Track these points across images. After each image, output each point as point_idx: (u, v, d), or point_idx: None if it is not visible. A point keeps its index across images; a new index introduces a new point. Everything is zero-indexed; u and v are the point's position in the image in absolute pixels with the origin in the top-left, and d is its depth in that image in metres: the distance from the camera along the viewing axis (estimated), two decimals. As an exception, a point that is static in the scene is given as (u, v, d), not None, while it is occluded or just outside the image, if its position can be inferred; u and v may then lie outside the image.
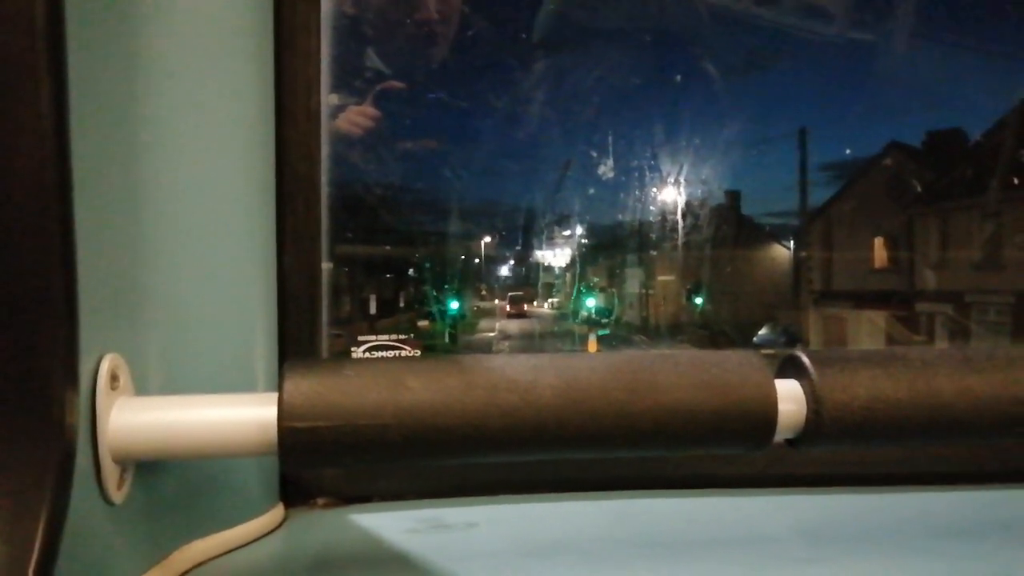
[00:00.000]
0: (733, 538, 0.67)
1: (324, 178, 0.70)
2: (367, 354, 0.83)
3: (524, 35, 1.48)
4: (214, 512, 0.63)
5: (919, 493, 0.76)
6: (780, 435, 0.54)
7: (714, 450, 0.54)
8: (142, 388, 0.53)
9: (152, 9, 0.55)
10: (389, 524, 0.70)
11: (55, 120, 0.40)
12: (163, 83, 0.56)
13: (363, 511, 0.73)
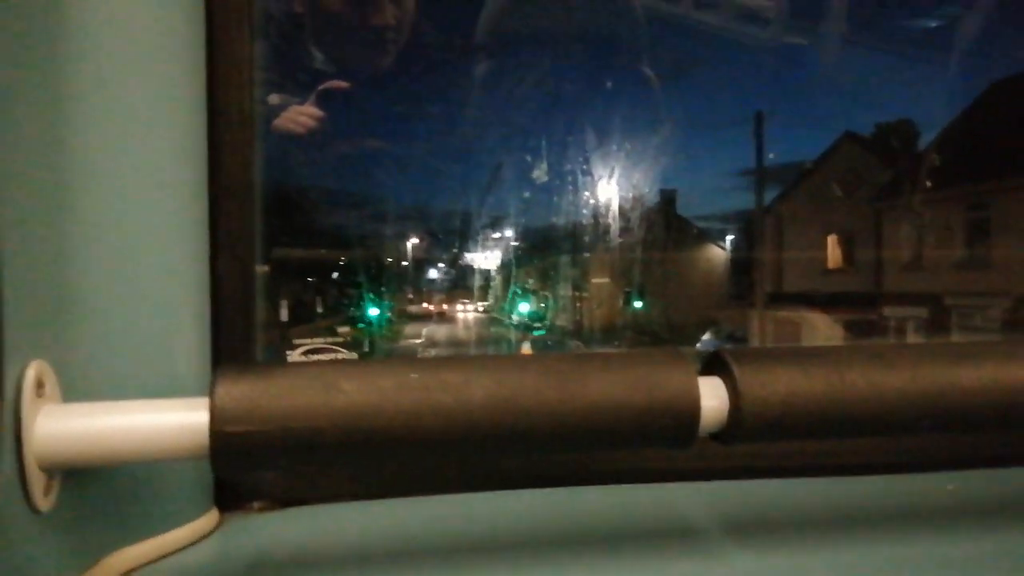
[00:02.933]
0: (662, 528, 0.69)
1: (259, 184, 0.69)
2: (303, 357, 0.83)
3: (463, 38, 1.49)
4: (146, 518, 0.62)
5: (839, 480, 0.79)
6: (704, 431, 0.56)
7: (641, 447, 0.56)
8: (70, 395, 0.52)
9: (78, 11, 0.54)
10: (325, 526, 0.70)
11: None
12: (89, 85, 0.55)
13: (299, 514, 0.73)
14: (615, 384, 0.53)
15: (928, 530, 0.70)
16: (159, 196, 0.60)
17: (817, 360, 0.57)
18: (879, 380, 0.56)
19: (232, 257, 0.68)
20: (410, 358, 0.53)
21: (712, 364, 0.58)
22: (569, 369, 0.54)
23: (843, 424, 0.56)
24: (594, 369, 0.54)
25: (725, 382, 0.56)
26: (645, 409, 0.53)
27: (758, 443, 0.57)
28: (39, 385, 0.49)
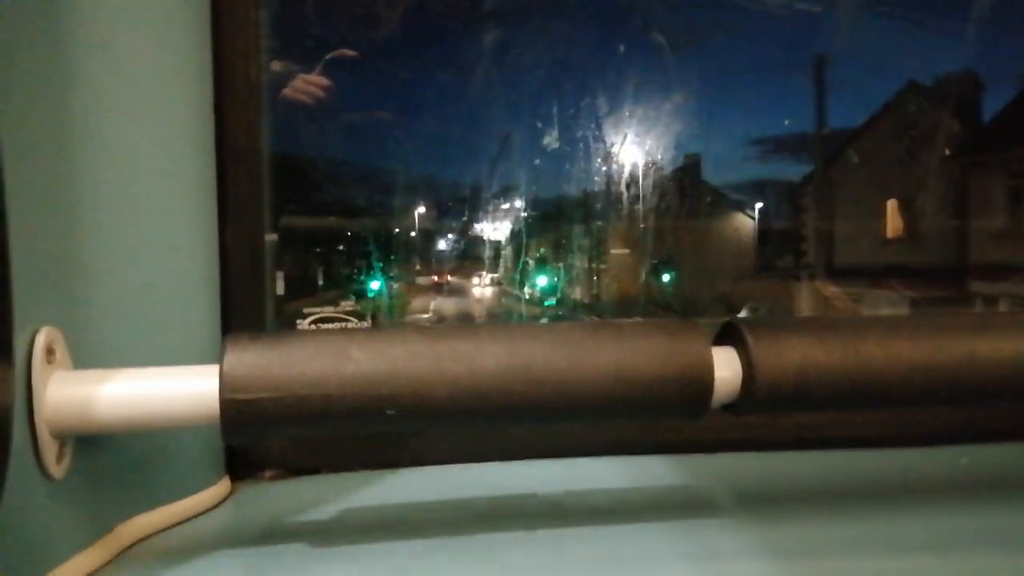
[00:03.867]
0: (674, 500, 0.69)
1: (267, 154, 0.69)
2: (312, 326, 0.83)
3: (473, 5, 1.46)
4: (158, 486, 0.62)
5: (852, 452, 0.79)
6: (717, 401, 0.55)
7: (654, 417, 0.56)
8: (80, 362, 0.52)
9: None
10: (336, 495, 0.70)
11: None
12: (96, 54, 0.55)
13: (310, 483, 0.73)
14: (627, 354, 0.53)
15: (941, 504, 0.69)
16: (167, 164, 0.60)
17: (832, 330, 0.56)
18: (896, 351, 0.55)
19: (241, 226, 0.68)
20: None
21: (726, 334, 0.57)
22: (581, 338, 0.53)
23: (858, 396, 0.55)
24: (606, 339, 0.53)
25: (739, 352, 0.55)
26: (658, 379, 0.53)
27: (771, 414, 0.56)
28: (49, 351, 0.49)
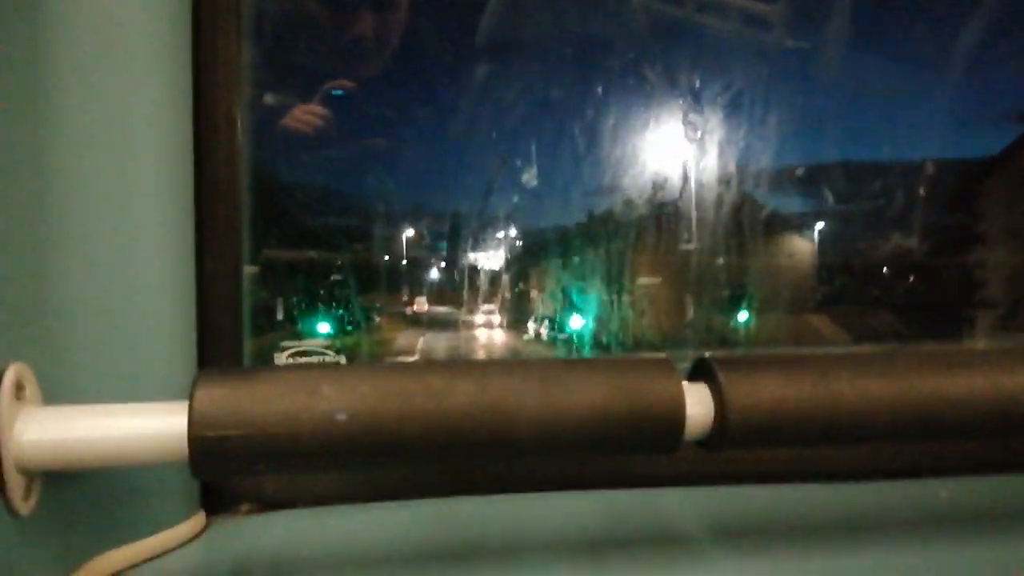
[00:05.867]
0: (649, 534, 0.69)
1: (246, 185, 0.69)
2: (290, 360, 0.83)
3: (466, 40, 1.48)
4: (131, 521, 0.62)
5: (831, 486, 0.79)
6: (689, 437, 0.55)
7: (626, 453, 0.56)
8: (51, 398, 0.52)
9: (61, 11, 0.54)
10: (313, 529, 0.70)
11: None
12: (73, 86, 0.55)
13: (286, 517, 0.73)
14: (600, 390, 0.53)
15: (920, 537, 0.69)
16: (144, 197, 0.60)
17: (804, 367, 0.56)
18: (866, 388, 0.55)
19: (219, 260, 0.68)
20: (393, 363, 0.53)
21: (699, 371, 0.58)
22: (554, 375, 0.53)
23: (829, 432, 0.55)
24: (579, 375, 0.54)
25: (711, 389, 0.56)
26: (630, 415, 0.53)
27: (744, 450, 0.56)
28: (19, 387, 0.48)
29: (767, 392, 0.55)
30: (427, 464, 0.52)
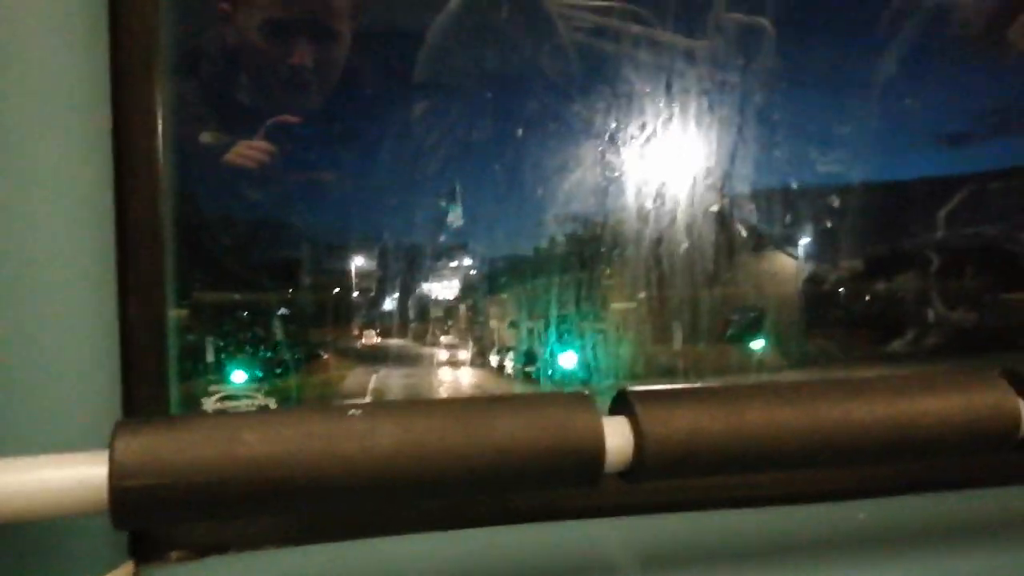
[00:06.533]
0: (580, 566, 0.70)
1: (169, 227, 0.69)
2: (219, 404, 0.83)
3: (404, 75, 1.51)
4: (54, 571, 0.61)
5: (759, 510, 0.81)
6: (611, 469, 0.57)
7: (550, 487, 0.57)
8: (-34, 451, 0.52)
9: None
10: (245, 575, 0.69)
11: None
12: None
13: (219, 563, 0.72)
14: (521, 426, 0.54)
15: (842, 559, 0.72)
16: (62, 241, 0.60)
17: (718, 399, 0.59)
18: (777, 417, 0.58)
19: (142, 302, 0.67)
20: (315, 406, 0.54)
21: (618, 404, 0.59)
22: (476, 413, 0.55)
23: (743, 460, 0.58)
24: (501, 412, 0.55)
25: (630, 422, 0.57)
26: (551, 450, 0.54)
27: (663, 480, 0.58)
28: (-71, 443, 0.48)
29: (683, 423, 0.57)
30: (352, 507, 0.52)
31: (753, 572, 0.69)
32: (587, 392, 0.58)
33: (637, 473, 0.57)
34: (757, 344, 1.68)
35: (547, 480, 0.56)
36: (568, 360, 1.62)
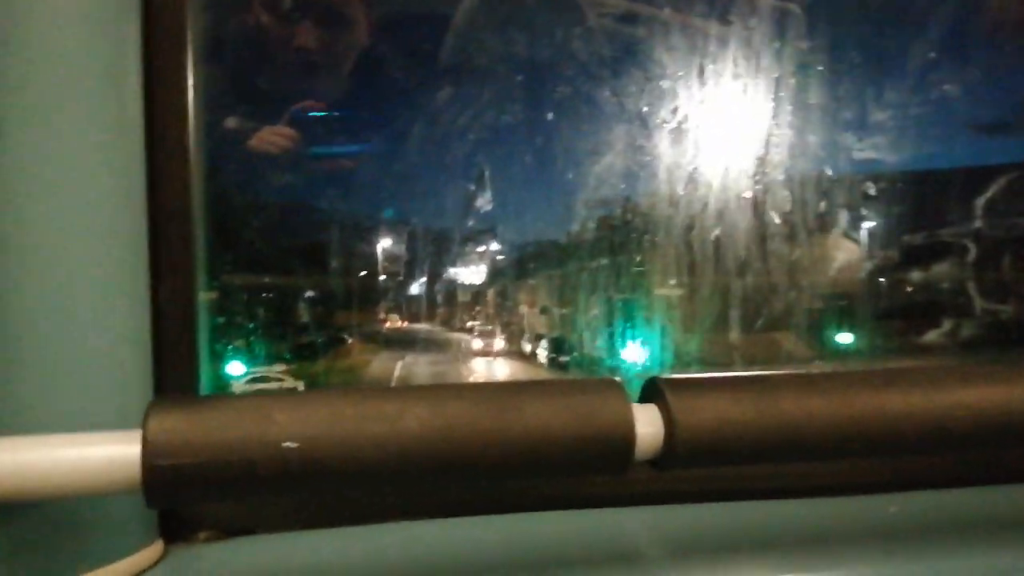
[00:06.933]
0: (609, 554, 0.70)
1: (201, 208, 0.70)
2: (247, 387, 0.83)
3: (432, 59, 1.50)
4: (86, 550, 0.62)
5: (786, 502, 0.80)
6: (640, 457, 0.56)
7: (578, 474, 0.57)
8: (2, 428, 0.52)
9: (8, 35, 0.55)
10: (273, 556, 0.70)
11: None
12: (22, 111, 0.56)
13: (246, 544, 0.73)
14: (551, 412, 0.54)
15: (872, 552, 0.71)
16: (96, 224, 0.60)
17: (750, 387, 0.58)
18: (809, 406, 0.57)
19: (174, 287, 0.68)
20: (345, 388, 0.54)
21: (649, 392, 0.59)
22: (506, 397, 0.54)
23: (774, 449, 0.57)
24: (530, 397, 0.55)
25: (660, 409, 0.57)
26: (581, 437, 0.54)
27: (693, 468, 0.57)
28: (-33, 419, 0.48)
29: (714, 411, 0.56)
30: (381, 489, 0.53)
31: (781, 563, 0.69)
32: (618, 379, 0.57)
33: (667, 461, 0.56)
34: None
35: (577, 466, 0.55)
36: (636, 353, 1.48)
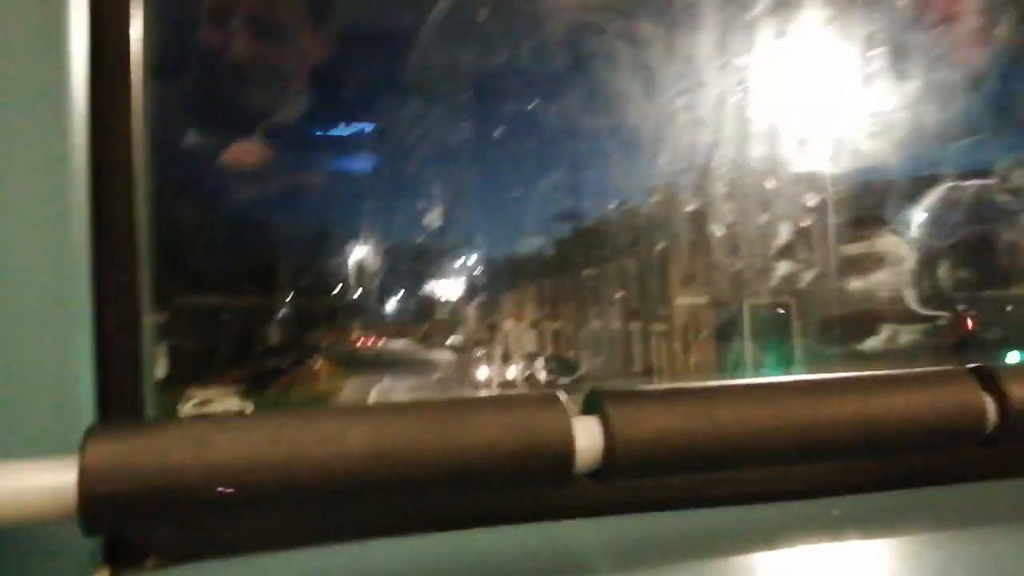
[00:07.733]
0: (554, 566, 0.70)
1: (145, 230, 0.69)
2: (195, 409, 0.83)
3: (395, 77, 1.51)
4: None
5: (734, 509, 0.82)
6: (581, 469, 0.57)
7: (520, 487, 0.58)
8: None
9: None
10: None
11: None
12: None
13: (196, 570, 0.72)
14: (492, 428, 0.55)
15: (816, 555, 0.73)
16: (39, 247, 0.60)
17: (688, 398, 0.59)
18: (746, 416, 0.59)
19: (119, 311, 0.67)
20: (287, 410, 0.54)
21: (590, 404, 0.60)
22: (447, 415, 0.55)
23: (714, 458, 0.58)
24: (472, 414, 0.55)
25: (600, 422, 0.58)
26: (521, 451, 0.55)
27: (634, 479, 0.59)
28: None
29: (653, 423, 0.57)
30: (324, 510, 0.53)
31: (728, 570, 0.70)
32: (558, 393, 0.58)
33: (608, 473, 0.58)
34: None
35: (519, 481, 0.56)
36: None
